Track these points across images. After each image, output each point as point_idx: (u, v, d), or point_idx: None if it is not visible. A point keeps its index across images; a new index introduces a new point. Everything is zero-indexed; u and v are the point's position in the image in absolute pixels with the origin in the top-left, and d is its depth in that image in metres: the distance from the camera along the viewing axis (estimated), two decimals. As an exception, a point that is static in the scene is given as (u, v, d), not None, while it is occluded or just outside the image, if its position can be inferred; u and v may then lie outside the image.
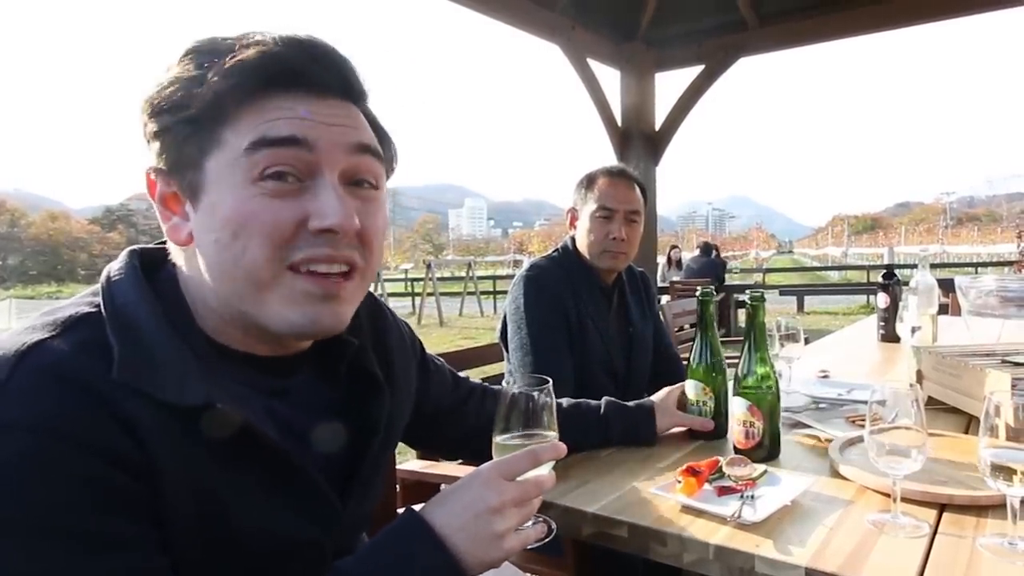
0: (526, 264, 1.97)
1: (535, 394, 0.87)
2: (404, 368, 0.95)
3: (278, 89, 0.67)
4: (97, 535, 0.58)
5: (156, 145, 0.68)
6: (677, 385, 1.43)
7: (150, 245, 0.77)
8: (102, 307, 0.66)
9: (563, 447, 0.82)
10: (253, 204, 0.65)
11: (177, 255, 0.73)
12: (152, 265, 0.73)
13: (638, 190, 1.95)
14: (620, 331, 1.98)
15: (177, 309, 0.70)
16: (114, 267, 0.71)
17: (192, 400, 0.63)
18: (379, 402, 0.84)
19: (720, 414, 1.38)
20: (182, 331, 0.68)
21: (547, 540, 0.82)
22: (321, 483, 0.74)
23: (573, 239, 1.98)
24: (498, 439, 0.87)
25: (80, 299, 0.69)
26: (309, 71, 0.68)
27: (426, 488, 1.77)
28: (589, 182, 1.95)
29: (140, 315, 0.66)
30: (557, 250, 2.00)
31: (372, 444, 0.83)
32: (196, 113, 0.65)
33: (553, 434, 0.86)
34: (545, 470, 0.82)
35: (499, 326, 1.92)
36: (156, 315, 0.66)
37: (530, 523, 0.80)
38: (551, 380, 0.88)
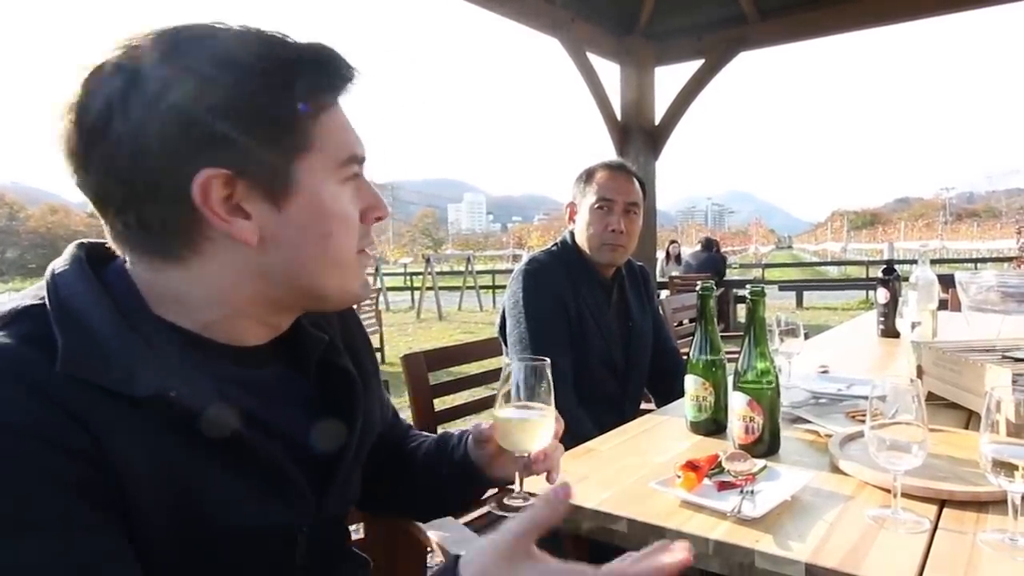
0: (525, 258, 1.97)
1: (535, 368, 0.90)
2: (372, 364, 0.95)
3: (338, 97, 0.73)
4: (63, 520, 0.57)
5: (225, 149, 0.65)
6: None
7: (97, 240, 0.74)
8: (46, 299, 0.65)
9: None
10: (343, 203, 0.73)
11: (168, 268, 0.69)
12: (99, 259, 0.71)
13: (637, 184, 1.96)
14: (620, 325, 1.98)
15: (128, 299, 0.68)
16: (59, 261, 0.69)
17: (143, 390, 0.62)
18: (353, 396, 0.84)
19: (720, 409, 1.38)
20: (133, 321, 0.66)
21: None
22: (288, 468, 0.73)
23: (572, 233, 1.97)
24: (498, 412, 0.90)
25: (25, 293, 0.67)
26: (351, 80, 0.73)
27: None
28: (588, 176, 1.95)
29: (86, 305, 0.64)
30: (556, 244, 1.99)
31: (351, 438, 0.83)
32: (288, 120, 0.68)
33: (550, 410, 0.90)
34: (547, 440, 0.89)
35: (498, 320, 1.92)
36: (103, 305, 0.65)
37: (520, 500, 0.89)
38: (548, 359, 0.91)
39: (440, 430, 1.76)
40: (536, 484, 0.95)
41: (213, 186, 0.65)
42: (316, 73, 0.69)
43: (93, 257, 0.71)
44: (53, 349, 0.60)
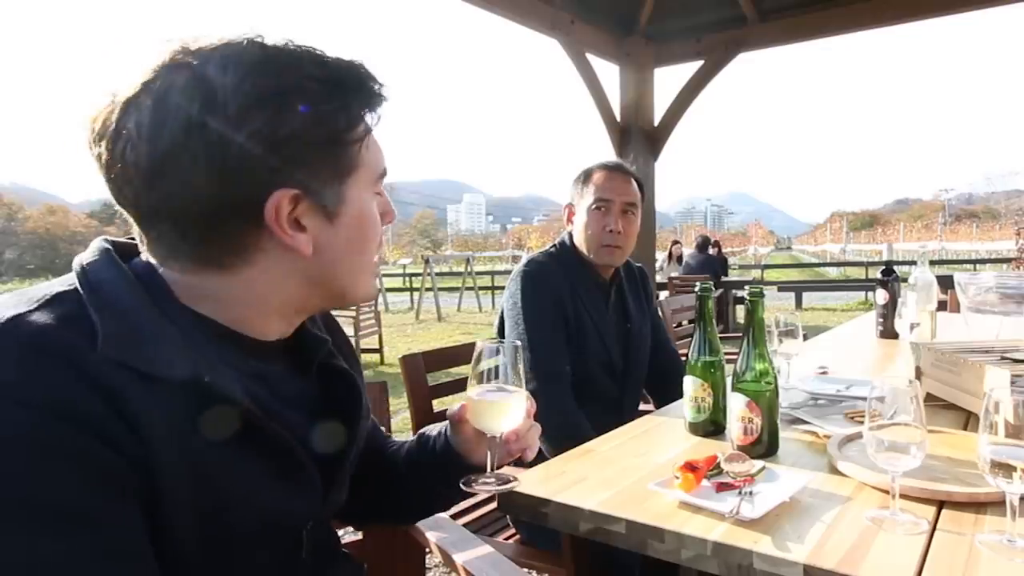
0: (523, 260, 1.96)
1: (506, 349, 0.93)
2: (357, 368, 0.96)
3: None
4: (74, 510, 0.57)
5: (299, 171, 0.69)
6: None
7: (120, 239, 0.76)
8: (78, 287, 0.66)
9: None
10: (375, 212, 0.79)
11: (211, 276, 0.71)
12: (123, 254, 0.73)
13: (635, 184, 1.95)
14: (618, 327, 1.98)
15: (157, 290, 0.69)
16: (85, 254, 0.71)
17: (181, 374, 0.64)
18: (354, 397, 0.87)
19: (718, 410, 1.37)
20: (163, 309, 0.68)
21: (515, 485, 0.94)
22: (302, 456, 0.76)
23: (571, 235, 1.97)
24: (471, 392, 0.92)
25: (51, 283, 0.68)
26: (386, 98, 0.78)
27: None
28: (586, 177, 1.95)
29: (119, 292, 0.66)
30: (555, 246, 1.99)
31: (352, 437, 0.85)
32: (348, 143, 0.73)
33: (522, 391, 0.92)
34: (519, 419, 0.92)
35: (496, 322, 1.92)
36: (135, 293, 0.67)
37: (492, 478, 0.92)
38: (519, 341, 0.94)
39: (438, 431, 1.77)
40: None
41: (283, 204, 0.69)
42: (365, 95, 0.74)
43: (118, 252, 0.72)
44: (91, 332, 0.61)
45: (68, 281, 0.67)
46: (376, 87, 0.75)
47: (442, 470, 0.98)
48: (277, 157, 0.68)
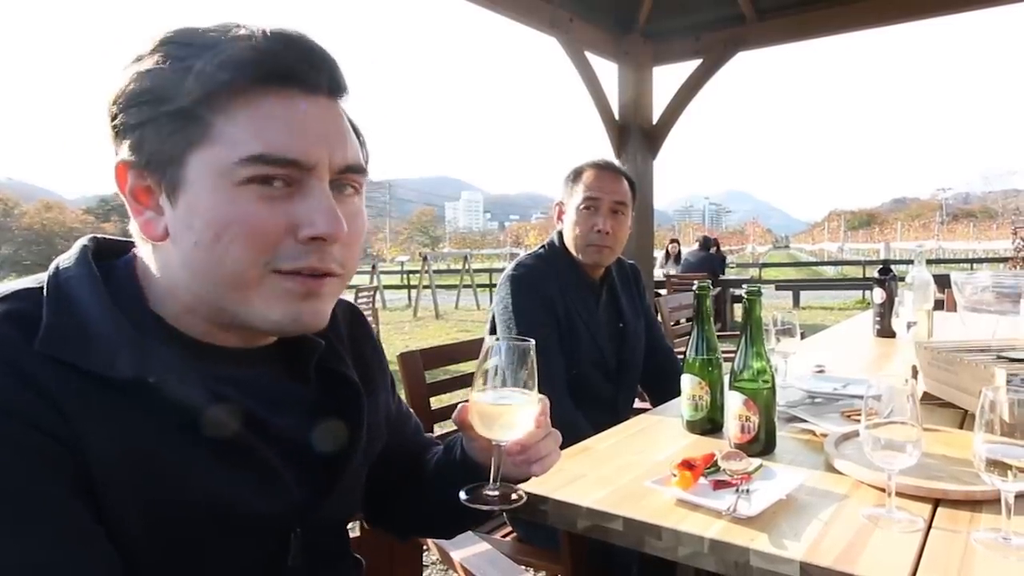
0: (512, 263, 1.95)
1: (516, 348, 0.81)
2: (381, 376, 0.93)
3: (271, 86, 0.65)
4: (22, 496, 0.57)
5: (131, 137, 0.66)
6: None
7: (111, 236, 0.76)
8: (44, 283, 0.66)
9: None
10: (236, 207, 0.64)
11: (144, 247, 0.71)
12: (109, 253, 0.72)
13: (626, 183, 1.94)
14: (610, 326, 1.97)
15: (126, 291, 0.69)
16: (64, 255, 0.71)
17: (122, 373, 0.62)
18: (356, 404, 0.82)
19: (716, 408, 1.38)
20: (125, 309, 0.66)
21: (518, 504, 0.84)
22: (270, 458, 0.72)
23: (560, 234, 1.96)
24: (476, 395, 0.82)
25: (21, 280, 0.68)
26: (301, 69, 0.66)
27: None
28: (576, 175, 1.94)
29: (81, 290, 0.65)
30: (543, 247, 1.98)
31: (354, 444, 0.81)
32: (182, 107, 0.63)
33: (532, 395, 0.81)
34: (527, 427, 0.82)
35: (488, 326, 1.92)
36: (98, 292, 0.66)
37: (496, 491, 0.83)
38: (533, 340, 0.83)
39: (437, 428, 1.78)
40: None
41: (128, 176, 0.67)
42: (230, 58, 0.63)
43: (103, 251, 0.72)
44: (34, 329, 0.61)
45: (39, 278, 0.67)
46: (260, 53, 0.64)
47: (462, 479, 0.87)
48: (115, 123, 0.66)
